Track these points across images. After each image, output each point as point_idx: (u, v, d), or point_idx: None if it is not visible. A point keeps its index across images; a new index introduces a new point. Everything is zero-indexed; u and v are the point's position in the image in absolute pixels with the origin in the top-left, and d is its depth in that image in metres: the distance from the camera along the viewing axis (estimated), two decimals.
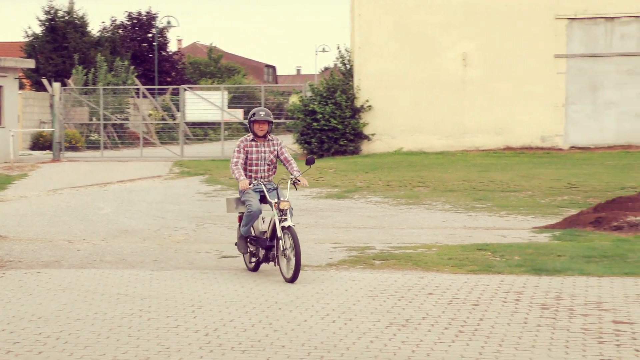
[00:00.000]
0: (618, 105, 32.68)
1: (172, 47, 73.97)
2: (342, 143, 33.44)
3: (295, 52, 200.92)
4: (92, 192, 24.93)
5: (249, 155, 12.23)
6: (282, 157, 12.42)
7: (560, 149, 32.75)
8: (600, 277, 11.68)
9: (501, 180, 24.87)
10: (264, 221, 12.39)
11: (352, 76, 34.90)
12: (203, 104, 38.79)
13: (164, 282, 11.86)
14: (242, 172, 12.06)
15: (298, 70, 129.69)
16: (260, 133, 12.23)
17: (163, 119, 47.90)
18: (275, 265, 11.97)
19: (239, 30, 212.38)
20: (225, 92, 40.20)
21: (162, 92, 51.91)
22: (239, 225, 12.46)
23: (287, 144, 38.02)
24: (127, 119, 46.58)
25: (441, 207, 20.64)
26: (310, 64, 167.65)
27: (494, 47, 33.26)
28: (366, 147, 33.92)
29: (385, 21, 33.97)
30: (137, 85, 47.83)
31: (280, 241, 11.62)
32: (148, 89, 47.24)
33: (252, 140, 12.30)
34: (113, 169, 32.82)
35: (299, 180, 12.17)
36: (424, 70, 33.61)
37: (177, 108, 42.68)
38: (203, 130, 49.68)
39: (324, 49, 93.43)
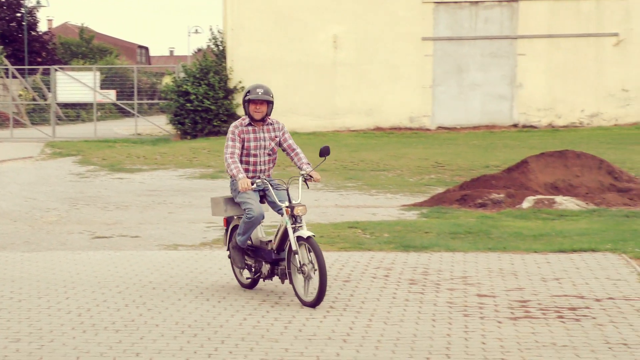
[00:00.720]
0: (482, 86, 33.34)
1: (42, 27, 72.30)
2: (215, 124, 33.26)
3: (168, 33, 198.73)
4: None
5: (246, 144, 9.72)
6: (285, 145, 9.95)
7: (428, 129, 33.27)
8: (465, 253, 11.93)
9: (371, 159, 25.14)
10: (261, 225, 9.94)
11: (224, 58, 34.73)
12: (75, 84, 38.03)
13: (35, 263, 11.63)
14: (241, 167, 9.55)
15: (171, 52, 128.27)
16: (258, 116, 9.72)
17: (34, 99, 46.79)
18: (283, 283, 9.62)
19: (110, 11, 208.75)
20: (98, 73, 39.50)
21: (32, 72, 50.66)
22: (227, 230, 10.10)
23: (161, 124, 37.74)
24: None
25: (313, 186, 20.76)
26: (183, 46, 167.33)
27: (363, 29, 33.51)
28: None
29: (257, 3, 33.87)
30: (5, 65, 46.58)
31: (296, 255, 9.06)
32: (17, 69, 46.06)
33: (249, 124, 9.78)
34: None
35: (311, 177, 9.66)
36: (296, 53, 33.67)
37: (49, 88, 41.78)
38: (75, 111, 48.72)
39: (196, 30, 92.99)
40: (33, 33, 66.51)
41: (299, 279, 9.15)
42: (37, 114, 44.80)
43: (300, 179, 9.69)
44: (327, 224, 14.84)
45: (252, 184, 9.41)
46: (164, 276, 10.65)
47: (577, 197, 16.69)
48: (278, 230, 9.45)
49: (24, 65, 56.13)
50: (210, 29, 36.97)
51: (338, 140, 30.47)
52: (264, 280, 9.84)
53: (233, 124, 9.83)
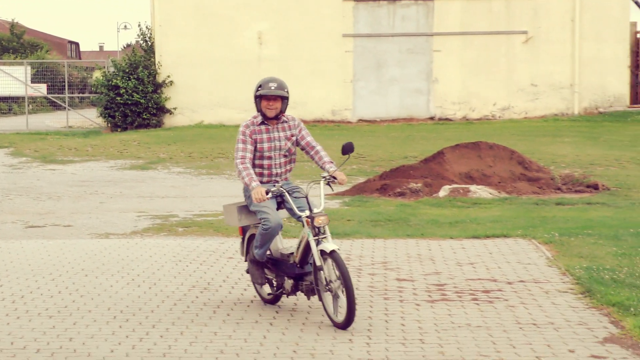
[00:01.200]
0: (400, 81, 33.50)
1: None
2: (145, 117, 32.95)
3: (98, 29, 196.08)
4: None
5: (259, 145, 8.27)
6: (303, 143, 8.49)
7: (349, 122, 33.36)
8: (385, 239, 12.01)
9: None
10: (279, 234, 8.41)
11: (153, 53, 34.38)
12: (6, 78, 37.42)
13: None
14: (254, 173, 8.12)
15: (101, 47, 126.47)
16: (271, 113, 8.28)
17: None
18: (309, 299, 8.25)
19: (41, 6, 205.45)
20: (29, 67, 38.90)
21: None
22: (243, 240, 8.68)
23: (92, 117, 37.26)
24: None
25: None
26: (112, 41, 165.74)
27: (287, 26, 33.46)
28: (168, 121, 33.57)
29: (184, 0, 33.61)
30: None
31: (321, 272, 7.75)
32: None
33: (262, 123, 8.33)
34: None
35: (334, 178, 8.16)
36: (222, 48, 33.48)
37: None
38: (7, 104, 47.79)
39: (125, 26, 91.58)
40: None
41: (327, 296, 7.77)
42: None
43: (322, 182, 8.20)
44: None
45: (267, 192, 7.95)
46: (96, 263, 10.55)
47: (490, 186, 16.91)
48: (300, 242, 8.01)
49: None
50: (139, 25, 36.67)
51: None
52: (287, 297, 8.40)
53: (243, 123, 8.33)
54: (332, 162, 8.24)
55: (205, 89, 33.42)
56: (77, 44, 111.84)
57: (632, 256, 10.25)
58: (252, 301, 8.61)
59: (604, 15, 32.46)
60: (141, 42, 37.02)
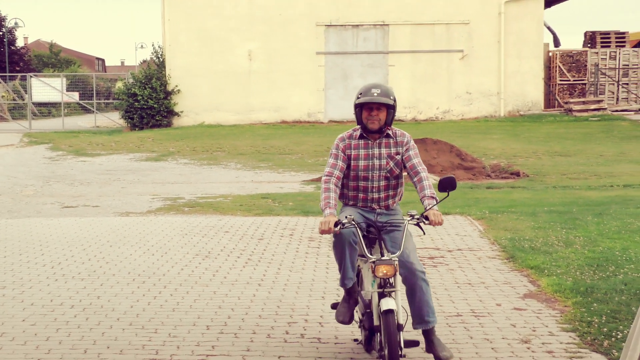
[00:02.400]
0: None
1: (19, 43, 69.91)
2: (158, 118, 32.74)
3: (120, 48, 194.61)
4: None
5: (353, 162, 5.45)
6: (407, 165, 5.46)
7: (322, 122, 33.29)
8: None
9: (279, 146, 25.08)
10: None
11: (164, 67, 34.13)
12: (46, 88, 37.14)
13: (17, 227, 11.31)
14: (333, 197, 5.33)
15: (122, 62, 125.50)
16: (373, 125, 5.41)
17: (14, 99, 45.36)
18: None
19: (74, 29, 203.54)
20: (64, 79, 38.65)
21: (12, 78, 49.00)
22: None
23: (115, 119, 36.96)
24: None
25: (234, 167, 20.63)
26: (132, 57, 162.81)
27: (272, 46, 33.31)
28: (177, 122, 33.36)
29: (189, 25, 33.36)
30: None
31: (378, 333, 5.20)
32: (0, 76, 44.60)
33: (361, 137, 5.49)
34: None
35: (426, 219, 5.23)
36: (219, 63, 33.30)
37: (25, 91, 40.55)
38: (47, 109, 47.36)
39: (142, 45, 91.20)
40: (12, 47, 64.30)
41: None
42: (17, 111, 43.48)
43: (406, 222, 5.28)
44: (245, 195, 14.77)
45: (337, 224, 5.14)
46: (119, 236, 10.47)
47: (435, 174, 16.92)
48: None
49: (5, 73, 54.26)
50: (153, 45, 36.61)
51: (253, 131, 30.32)
52: (367, 352, 5.57)
53: (339, 136, 5.57)
54: (433, 197, 5.31)
55: (206, 96, 33.25)
56: (103, 60, 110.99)
57: (546, 229, 10.30)
58: (244, 267, 8.57)
59: (524, 37, 32.57)
60: (154, 58, 36.76)
